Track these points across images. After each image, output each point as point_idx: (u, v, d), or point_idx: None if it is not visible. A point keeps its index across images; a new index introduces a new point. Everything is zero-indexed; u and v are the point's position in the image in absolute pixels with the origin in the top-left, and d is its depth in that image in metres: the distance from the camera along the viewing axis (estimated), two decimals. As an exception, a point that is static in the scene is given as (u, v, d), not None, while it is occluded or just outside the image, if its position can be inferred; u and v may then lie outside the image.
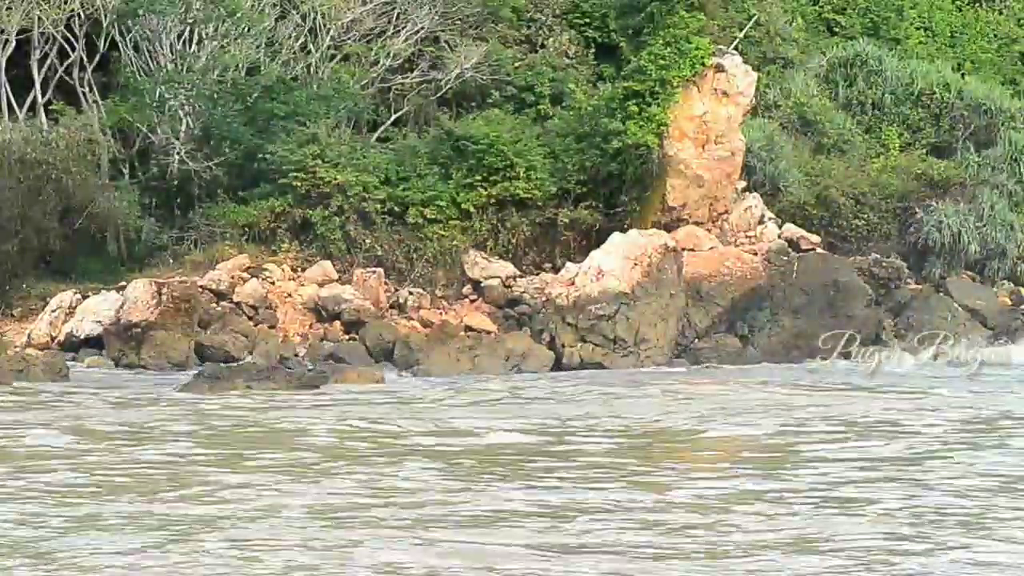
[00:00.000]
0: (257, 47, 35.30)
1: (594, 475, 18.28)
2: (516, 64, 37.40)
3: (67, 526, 14.90)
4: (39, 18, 33.41)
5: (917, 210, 37.39)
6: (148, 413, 23.73)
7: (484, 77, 36.82)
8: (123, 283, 31.53)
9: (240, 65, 35.03)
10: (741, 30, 38.48)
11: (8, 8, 33.32)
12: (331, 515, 15.53)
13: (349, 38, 36.26)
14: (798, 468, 18.98)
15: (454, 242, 33.44)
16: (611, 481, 17.73)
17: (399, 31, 36.50)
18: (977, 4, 46.18)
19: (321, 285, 32.44)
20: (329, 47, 36.06)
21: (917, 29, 44.87)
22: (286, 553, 13.68)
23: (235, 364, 29.45)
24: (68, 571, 13.10)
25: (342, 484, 17.40)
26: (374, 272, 32.85)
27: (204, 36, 34.78)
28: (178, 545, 13.97)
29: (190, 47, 34.80)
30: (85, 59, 34.31)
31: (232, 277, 31.95)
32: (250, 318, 31.59)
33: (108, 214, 32.83)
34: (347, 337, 31.86)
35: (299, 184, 33.10)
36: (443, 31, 37.12)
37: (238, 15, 34.54)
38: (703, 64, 34.44)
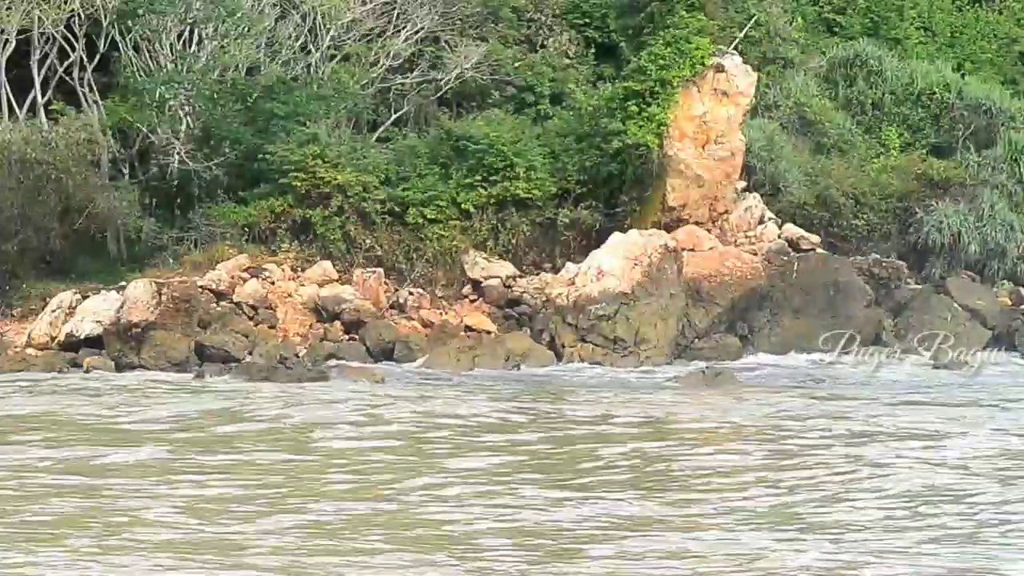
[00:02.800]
0: (257, 47, 35.31)
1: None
2: (516, 64, 37.41)
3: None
4: (39, 18, 33.39)
5: (917, 210, 37.37)
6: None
7: (484, 77, 36.84)
8: (123, 283, 31.53)
9: (240, 65, 35.03)
10: (741, 30, 38.46)
11: (8, 8, 33.30)
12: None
13: (349, 38, 36.27)
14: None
15: (454, 242, 33.44)
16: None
17: (399, 31, 36.50)
18: (977, 4, 46.14)
19: (321, 285, 32.43)
20: (329, 47, 36.06)
21: (917, 29, 44.84)
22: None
23: (235, 364, 29.45)
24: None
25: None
26: (374, 272, 32.85)
27: (204, 36, 34.79)
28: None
29: (190, 47, 34.81)
30: (85, 59, 34.29)
31: (232, 277, 31.94)
32: (250, 318, 31.58)
33: (108, 214, 32.84)
34: (347, 337, 31.86)
35: (299, 184, 33.10)
36: (443, 31, 37.13)
37: (238, 15, 34.54)
38: (703, 64, 34.45)
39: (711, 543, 14.86)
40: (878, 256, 36.37)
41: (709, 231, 34.46)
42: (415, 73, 36.69)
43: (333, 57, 36.23)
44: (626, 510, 16.42)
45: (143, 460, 19.38)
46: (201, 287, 31.41)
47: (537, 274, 33.72)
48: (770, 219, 35.34)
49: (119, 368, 29.93)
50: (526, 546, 14.62)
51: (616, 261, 32.48)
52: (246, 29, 34.87)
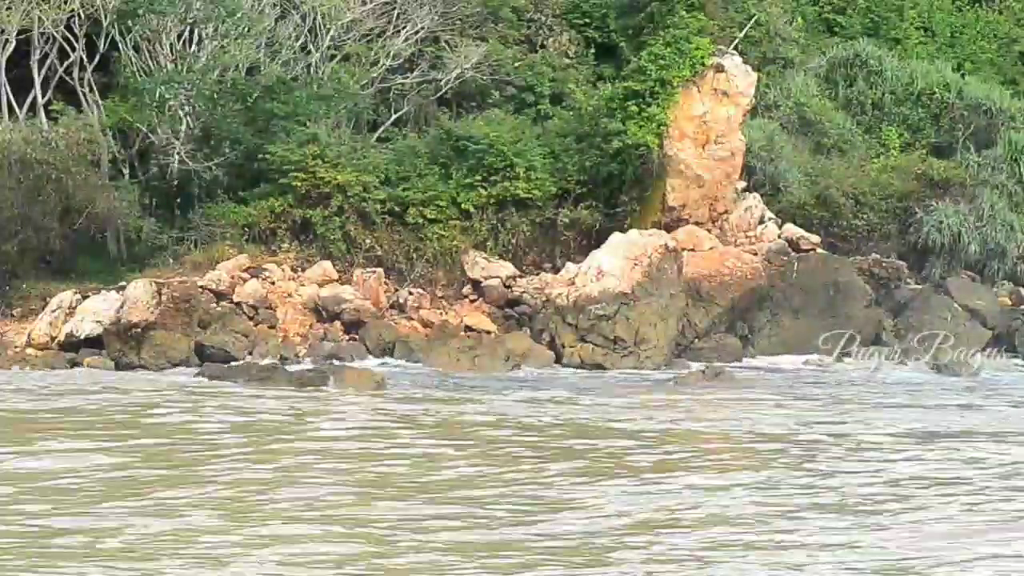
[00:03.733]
0: (257, 47, 35.31)
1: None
2: (516, 64, 37.43)
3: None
4: (39, 18, 33.40)
5: (917, 210, 37.39)
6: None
7: (484, 77, 36.85)
8: (123, 283, 31.52)
9: (240, 65, 35.04)
10: (741, 30, 38.49)
11: (8, 8, 33.31)
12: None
13: (349, 38, 36.28)
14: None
15: (454, 242, 33.45)
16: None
17: (399, 31, 36.51)
18: (977, 4, 46.20)
19: (321, 285, 32.43)
20: (329, 47, 36.07)
21: (917, 29, 44.89)
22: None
23: (235, 364, 29.44)
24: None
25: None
26: (374, 272, 32.85)
27: (204, 36, 34.79)
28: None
29: (190, 47, 34.82)
30: (85, 59, 34.30)
31: (232, 277, 31.94)
32: (250, 318, 31.58)
33: (108, 214, 32.85)
34: (347, 337, 31.86)
35: (299, 184, 33.11)
36: (443, 31, 37.14)
37: (238, 15, 34.55)
38: (703, 64, 34.46)
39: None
40: (878, 256, 36.39)
41: (709, 231, 34.47)
42: (415, 73, 36.71)
43: (333, 57, 36.23)
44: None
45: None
46: (201, 287, 31.41)
47: (537, 274, 33.73)
48: (770, 219, 35.35)
49: (119, 368, 29.94)
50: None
51: (616, 261, 32.47)
52: (246, 29, 34.88)
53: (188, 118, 33.97)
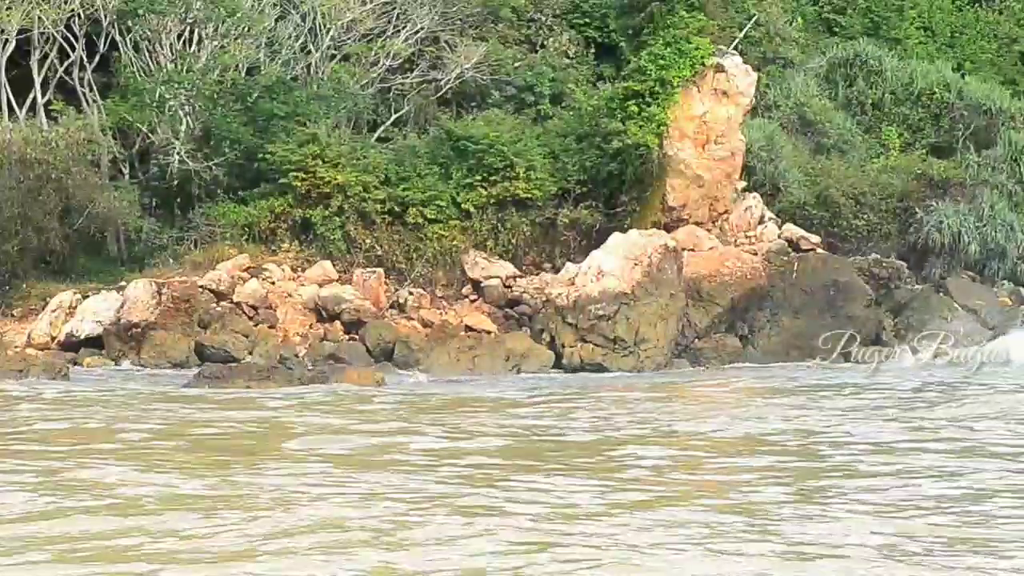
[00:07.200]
0: (257, 47, 35.34)
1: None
2: (516, 64, 37.46)
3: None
4: (39, 18, 33.43)
5: (917, 210, 37.42)
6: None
7: (484, 77, 36.88)
8: (123, 283, 31.55)
9: (240, 65, 35.07)
10: (741, 30, 38.51)
11: (8, 8, 33.34)
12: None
13: (349, 38, 36.31)
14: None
15: (454, 242, 33.46)
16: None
17: (399, 31, 36.54)
18: (977, 4, 46.24)
19: (321, 285, 32.44)
20: (329, 47, 36.11)
21: (917, 29, 44.94)
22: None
23: (235, 364, 29.45)
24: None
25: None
26: (374, 272, 32.87)
27: (204, 36, 34.82)
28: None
29: (190, 47, 34.85)
30: (85, 59, 34.34)
31: (232, 277, 31.95)
32: (250, 318, 31.58)
33: (108, 214, 32.86)
34: (347, 337, 31.86)
35: (299, 184, 33.13)
36: (443, 31, 37.17)
37: (238, 15, 34.59)
38: (703, 64, 34.47)
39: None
40: (878, 256, 36.41)
41: (709, 231, 34.49)
42: (415, 73, 36.73)
43: (333, 57, 36.25)
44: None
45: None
46: (201, 287, 31.42)
47: (537, 274, 33.75)
48: (770, 219, 35.37)
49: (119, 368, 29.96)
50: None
51: (616, 261, 32.47)
52: (246, 29, 34.91)
53: (188, 118, 33.99)
